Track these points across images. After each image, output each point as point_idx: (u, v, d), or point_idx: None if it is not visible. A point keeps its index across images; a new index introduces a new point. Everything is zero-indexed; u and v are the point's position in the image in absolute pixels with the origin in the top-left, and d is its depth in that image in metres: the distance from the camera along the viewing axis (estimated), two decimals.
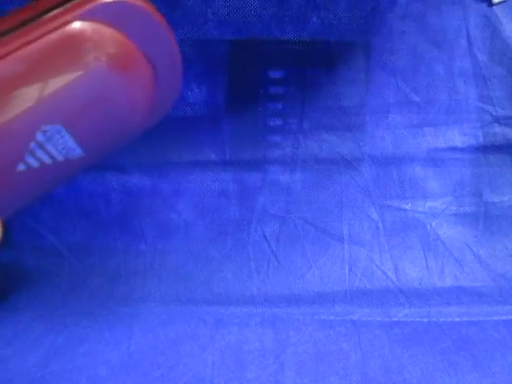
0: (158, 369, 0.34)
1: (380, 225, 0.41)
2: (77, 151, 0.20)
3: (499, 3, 0.38)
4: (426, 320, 0.38)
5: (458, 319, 0.38)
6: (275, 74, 0.39)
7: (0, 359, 0.35)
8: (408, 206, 0.41)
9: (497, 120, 0.40)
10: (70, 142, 0.20)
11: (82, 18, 0.17)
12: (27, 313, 0.38)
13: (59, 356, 0.35)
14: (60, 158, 0.20)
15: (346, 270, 0.41)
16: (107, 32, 0.18)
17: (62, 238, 0.42)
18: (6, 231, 0.42)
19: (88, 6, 0.18)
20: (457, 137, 0.41)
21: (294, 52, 0.39)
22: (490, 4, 0.39)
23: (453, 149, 0.41)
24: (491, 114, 0.40)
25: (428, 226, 0.41)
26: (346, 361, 0.34)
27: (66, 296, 0.40)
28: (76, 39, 0.17)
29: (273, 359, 0.34)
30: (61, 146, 0.20)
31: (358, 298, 0.40)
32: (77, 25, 0.17)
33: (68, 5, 0.18)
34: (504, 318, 0.38)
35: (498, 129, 0.40)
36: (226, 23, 0.38)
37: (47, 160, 0.20)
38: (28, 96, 0.17)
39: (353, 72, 0.39)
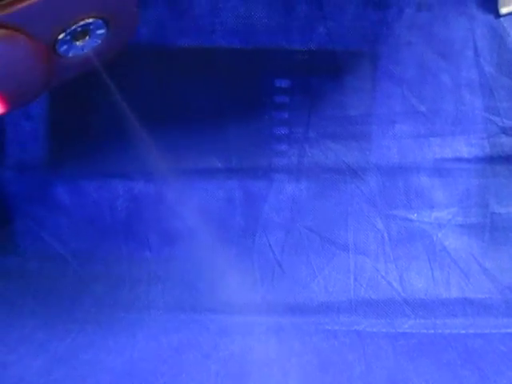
0: (161, 377, 0.34)
1: (385, 235, 0.41)
2: None
3: (506, 15, 0.39)
4: (431, 331, 0.38)
5: (463, 331, 0.38)
6: (281, 83, 0.39)
7: (3, 365, 0.34)
8: (414, 216, 0.41)
9: (503, 131, 0.40)
10: None
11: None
12: (31, 319, 0.38)
13: (62, 363, 0.35)
14: None
15: (351, 280, 0.40)
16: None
17: (66, 244, 0.42)
18: (11, 236, 0.42)
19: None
20: (463, 147, 0.40)
21: (301, 61, 0.39)
22: (497, 15, 0.39)
23: (459, 159, 0.41)
24: (497, 125, 0.40)
25: (434, 237, 0.41)
26: (350, 372, 0.34)
27: (69, 303, 0.40)
28: None
29: (277, 369, 0.34)
30: None
31: (363, 309, 0.39)
32: None
33: None
34: (510, 330, 0.38)
35: (504, 139, 0.40)
36: (232, 32, 0.38)
37: None
38: None
39: (359, 81, 0.39)
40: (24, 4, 0.21)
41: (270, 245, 0.41)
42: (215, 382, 0.33)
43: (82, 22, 0.23)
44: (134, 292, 0.40)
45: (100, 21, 0.24)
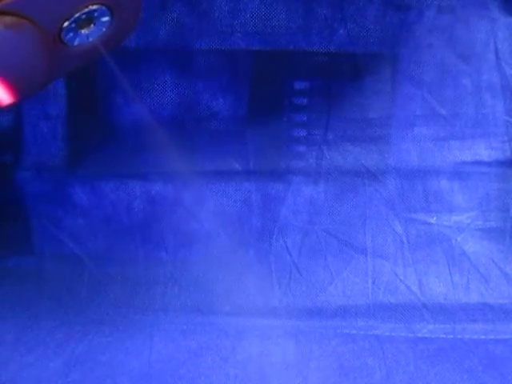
0: (179, 380, 0.33)
1: (404, 238, 0.41)
2: None
3: None
4: (451, 336, 0.37)
5: (483, 337, 0.37)
6: (301, 85, 0.39)
7: (21, 366, 0.34)
8: (433, 220, 0.41)
9: None
10: None
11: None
12: (48, 320, 0.38)
13: (80, 364, 0.35)
14: None
15: (369, 284, 0.40)
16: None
17: (83, 245, 0.42)
18: (27, 237, 0.42)
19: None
20: (483, 151, 0.40)
21: (320, 63, 0.39)
22: None
23: (479, 163, 0.40)
24: None
25: (453, 241, 0.41)
26: (370, 377, 0.33)
27: (86, 304, 0.40)
28: None
29: (296, 373, 0.33)
30: None
31: (382, 313, 0.39)
32: None
33: None
34: None
35: None
36: (252, 34, 0.38)
37: None
38: None
39: (379, 84, 0.39)
40: None
41: (287, 247, 0.41)
42: None
43: (86, 10, 0.23)
44: (151, 294, 0.40)
45: (104, 8, 0.24)
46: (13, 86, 0.23)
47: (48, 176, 0.41)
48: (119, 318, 0.39)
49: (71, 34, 0.24)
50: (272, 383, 0.33)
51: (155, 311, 0.39)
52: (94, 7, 0.24)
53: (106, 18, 0.24)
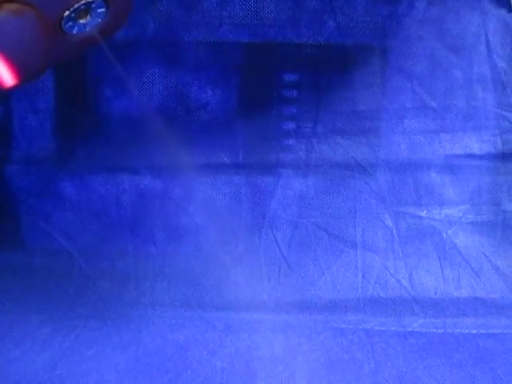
0: (165, 374, 0.33)
1: (394, 232, 0.40)
2: None
3: None
4: (441, 331, 0.37)
5: (474, 331, 0.37)
6: (290, 78, 0.39)
7: (8, 361, 0.34)
8: (423, 213, 0.40)
9: None
10: None
11: None
12: (36, 314, 0.38)
13: (67, 358, 0.34)
14: None
15: (359, 278, 0.40)
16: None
17: (72, 240, 0.41)
18: (17, 232, 0.42)
19: None
20: (474, 144, 0.40)
21: (310, 55, 0.38)
22: (510, 10, 0.38)
23: (470, 156, 0.40)
24: (510, 121, 0.39)
25: (444, 234, 0.40)
26: (358, 370, 0.33)
27: (75, 298, 0.40)
28: None
29: (283, 367, 0.33)
30: None
31: (372, 307, 0.39)
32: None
33: None
34: None
35: None
36: (241, 26, 0.38)
37: None
38: None
39: (369, 76, 0.39)
40: None
41: (276, 241, 0.41)
42: (221, 379, 0.32)
43: (84, 1, 0.25)
44: (140, 288, 0.40)
45: (100, 0, 0.26)
46: (15, 69, 0.24)
47: (37, 170, 0.41)
48: (107, 312, 0.38)
49: (70, 23, 0.26)
50: (259, 377, 0.32)
51: (144, 306, 0.39)
52: None
53: (101, 10, 0.26)
